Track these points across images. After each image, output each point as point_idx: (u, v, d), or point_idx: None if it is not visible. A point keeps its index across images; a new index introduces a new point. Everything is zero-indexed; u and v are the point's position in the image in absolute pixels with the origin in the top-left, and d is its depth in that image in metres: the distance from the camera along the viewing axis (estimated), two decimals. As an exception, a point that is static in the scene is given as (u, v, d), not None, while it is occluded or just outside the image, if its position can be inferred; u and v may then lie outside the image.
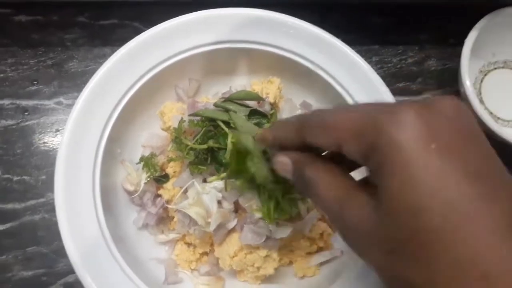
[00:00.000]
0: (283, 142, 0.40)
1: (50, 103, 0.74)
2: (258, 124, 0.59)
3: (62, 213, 0.57)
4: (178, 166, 0.63)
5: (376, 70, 0.65)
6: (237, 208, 0.60)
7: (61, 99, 0.74)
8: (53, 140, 0.72)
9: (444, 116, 0.28)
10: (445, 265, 0.26)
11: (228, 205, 0.58)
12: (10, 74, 0.74)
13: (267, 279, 0.63)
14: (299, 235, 0.62)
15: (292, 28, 0.65)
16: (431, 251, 0.26)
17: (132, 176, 0.64)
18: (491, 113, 0.76)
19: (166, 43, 0.64)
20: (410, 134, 0.27)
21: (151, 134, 0.68)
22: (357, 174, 0.38)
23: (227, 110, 0.59)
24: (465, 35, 0.71)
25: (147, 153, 0.65)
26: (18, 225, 0.68)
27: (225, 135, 0.57)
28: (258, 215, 0.56)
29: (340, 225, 0.34)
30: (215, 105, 0.61)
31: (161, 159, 0.65)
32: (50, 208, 0.69)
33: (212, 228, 0.57)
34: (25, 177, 0.70)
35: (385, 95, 0.64)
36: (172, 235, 0.65)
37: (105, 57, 0.64)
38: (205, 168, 0.58)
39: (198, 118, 0.60)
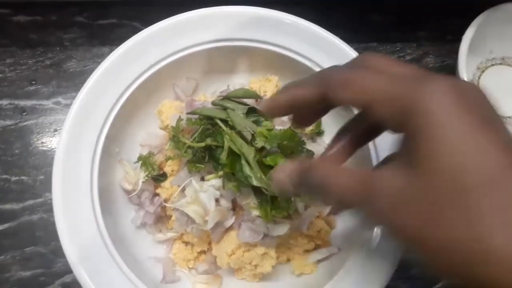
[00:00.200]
0: (299, 100, 0.40)
1: (48, 103, 0.74)
2: (256, 122, 0.59)
3: (60, 213, 0.57)
4: (176, 164, 0.63)
5: (373, 68, 0.65)
6: (235, 206, 0.60)
7: (60, 99, 0.74)
8: (51, 140, 0.72)
9: (474, 92, 0.30)
10: (490, 215, 0.27)
11: (225, 203, 0.58)
12: (8, 74, 0.74)
13: (265, 276, 0.63)
14: (297, 232, 0.62)
15: (290, 26, 0.66)
16: (477, 207, 0.27)
17: (130, 175, 0.64)
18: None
19: (164, 42, 0.64)
20: (448, 102, 0.28)
21: (149, 133, 0.68)
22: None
23: (225, 108, 0.59)
24: (463, 32, 0.71)
25: (145, 152, 0.65)
26: (16, 225, 0.68)
27: (223, 134, 0.57)
28: (255, 212, 0.56)
29: (370, 208, 0.33)
30: (213, 103, 0.61)
31: (159, 158, 0.65)
32: (48, 208, 0.69)
33: (209, 226, 0.57)
34: (23, 177, 0.70)
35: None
36: (170, 234, 0.65)
37: (103, 56, 0.64)
38: (203, 166, 0.58)
39: (196, 116, 0.60)
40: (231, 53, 0.68)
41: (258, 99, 0.64)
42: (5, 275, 0.66)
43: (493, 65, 0.79)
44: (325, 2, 0.79)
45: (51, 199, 0.58)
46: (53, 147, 0.72)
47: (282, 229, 0.57)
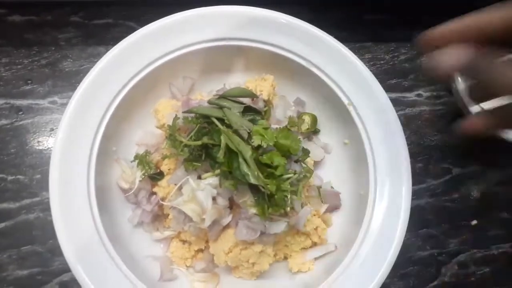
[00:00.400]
0: (483, 30, 0.40)
1: (44, 103, 0.74)
2: (252, 121, 0.60)
3: (57, 212, 0.57)
4: (172, 163, 0.63)
5: (368, 67, 0.66)
6: (232, 204, 0.60)
7: (56, 98, 0.74)
8: (47, 139, 0.72)
9: None
10: None
11: (223, 202, 0.58)
12: (4, 74, 0.74)
13: (262, 274, 0.64)
14: (294, 230, 0.63)
15: (286, 26, 0.66)
16: None
17: (127, 174, 0.65)
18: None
19: (159, 41, 0.65)
20: None
21: (146, 132, 0.68)
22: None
23: (221, 107, 0.60)
24: (456, 32, 0.71)
25: (141, 151, 0.65)
26: (13, 225, 0.68)
27: (219, 132, 0.57)
28: (252, 210, 0.56)
29: None
30: (209, 102, 0.61)
31: (155, 157, 0.65)
32: (45, 207, 0.69)
33: (207, 224, 0.57)
34: (19, 177, 0.70)
35: (377, 92, 0.65)
36: (167, 233, 0.65)
37: (99, 56, 0.64)
38: (199, 164, 0.58)
39: (193, 115, 0.60)
40: (227, 52, 0.68)
41: (254, 98, 0.65)
42: (2, 275, 0.66)
43: (486, 64, 0.79)
44: (320, 2, 0.80)
45: (47, 198, 0.58)
46: (49, 146, 0.72)
47: (279, 227, 0.58)
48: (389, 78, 0.80)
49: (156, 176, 0.64)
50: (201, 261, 0.64)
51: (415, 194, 0.74)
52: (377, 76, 0.66)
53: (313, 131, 0.71)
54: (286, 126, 0.66)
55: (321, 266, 0.64)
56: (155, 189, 0.64)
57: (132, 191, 0.64)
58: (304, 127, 0.70)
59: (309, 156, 0.63)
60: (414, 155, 0.76)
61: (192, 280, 0.63)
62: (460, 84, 0.69)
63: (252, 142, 0.55)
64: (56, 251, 0.66)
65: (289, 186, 0.55)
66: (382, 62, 0.81)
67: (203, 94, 0.70)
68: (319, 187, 0.66)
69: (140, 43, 0.64)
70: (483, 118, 0.47)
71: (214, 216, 0.58)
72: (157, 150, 0.66)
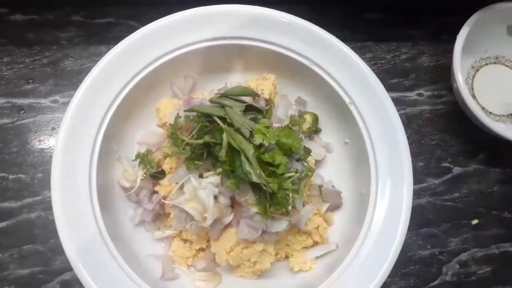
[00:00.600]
0: None
1: (46, 102, 0.74)
2: (253, 120, 0.60)
3: (59, 211, 0.57)
4: (174, 162, 0.63)
5: (370, 67, 0.66)
6: (233, 203, 0.60)
7: (57, 97, 0.74)
8: (49, 138, 0.72)
9: None
10: None
11: (224, 200, 0.58)
12: (5, 73, 0.74)
13: (263, 274, 0.64)
14: (295, 229, 0.63)
15: (287, 25, 0.66)
16: None
17: (128, 173, 0.65)
18: (483, 108, 0.77)
19: (161, 40, 0.65)
20: None
21: (147, 131, 0.68)
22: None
23: (223, 106, 0.60)
24: (457, 31, 0.72)
25: (143, 150, 0.65)
26: (14, 224, 0.68)
27: (220, 131, 0.57)
28: (254, 209, 0.56)
29: None
30: (211, 100, 0.61)
31: (157, 156, 0.65)
32: (47, 206, 0.69)
33: (208, 223, 0.57)
34: (21, 176, 0.70)
35: (379, 91, 0.65)
36: (168, 232, 0.65)
37: (101, 55, 0.64)
38: (201, 163, 0.58)
39: (194, 113, 0.60)
40: (228, 52, 0.68)
41: (256, 97, 0.65)
42: (3, 274, 0.66)
43: (487, 64, 0.80)
44: (320, 1, 0.80)
45: (49, 197, 0.58)
46: (51, 145, 0.72)
47: (280, 226, 0.58)
48: (390, 77, 0.80)
49: (157, 175, 0.64)
50: (203, 260, 0.64)
51: (416, 194, 0.75)
52: (378, 76, 0.66)
53: (314, 130, 0.71)
54: (287, 125, 0.66)
55: (322, 265, 0.64)
56: (157, 188, 0.64)
57: (134, 190, 0.64)
58: (306, 126, 0.70)
59: (310, 155, 0.63)
60: (415, 154, 0.76)
61: (193, 279, 0.63)
62: (461, 83, 0.69)
63: (254, 140, 0.55)
64: (58, 250, 0.66)
65: (290, 185, 0.55)
66: (383, 61, 0.81)
67: (205, 93, 0.70)
68: (320, 186, 0.66)
69: (141, 42, 0.64)
70: None
71: (216, 214, 0.58)
72: (159, 149, 0.66)
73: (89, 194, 0.59)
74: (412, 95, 0.80)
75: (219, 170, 0.57)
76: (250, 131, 0.56)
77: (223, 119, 0.58)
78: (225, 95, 0.61)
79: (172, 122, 0.60)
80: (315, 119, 0.71)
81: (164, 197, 0.63)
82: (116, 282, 0.57)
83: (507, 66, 0.79)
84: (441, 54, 0.82)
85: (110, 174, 0.65)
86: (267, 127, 0.56)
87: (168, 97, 0.70)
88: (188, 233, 0.63)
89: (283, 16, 0.66)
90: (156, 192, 0.64)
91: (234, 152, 0.55)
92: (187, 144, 0.58)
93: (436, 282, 0.73)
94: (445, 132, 0.79)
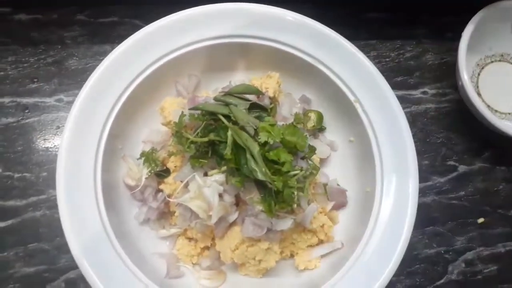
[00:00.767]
0: None
1: (50, 101, 0.74)
2: (258, 118, 0.60)
3: (64, 209, 0.57)
4: (179, 160, 0.63)
5: (374, 65, 0.66)
6: (238, 201, 0.60)
7: (62, 96, 0.74)
8: (53, 137, 0.73)
9: None
10: None
11: (229, 198, 0.58)
12: (10, 72, 0.74)
13: (268, 272, 0.64)
14: (300, 227, 0.63)
15: (291, 23, 0.66)
16: None
17: (133, 171, 0.65)
18: (488, 106, 0.77)
19: (165, 39, 0.65)
20: None
21: (152, 130, 0.68)
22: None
23: (227, 104, 0.60)
24: (462, 29, 0.71)
25: (147, 148, 0.65)
26: (19, 222, 0.68)
27: (225, 128, 0.57)
28: (259, 207, 0.56)
29: None
30: (215, 99, 0.61)
31: (162, 154, 0.65)
32: (52, 204, 0.69)
33: (213, 221, 0.57)
34: (26, 174, 0.70)
35: (384, 89, 0.65)
36: (173, 230, 0.65)
37: (105, 54, 0.65)
38: (206, 161, 0.58)
39: (199, 112, 0.60)
40: (232, 50, 0.68)
41: (260, 95, 0.65)
42: (9, 272, 0.66)
43: (492, 61, 0.79)
44: (325, 0, 0.80)
45: (54, 196, 0.58)
46: (55, 144, 0.72)
47: (285, 224, 0.58)
48: (394, 75, 0.80)
49: (162, 173, 0.64)
50: (207, 259, 0.64)
51: (421, 192, 0.74)
52: (383, 74, 0.66)
53: (319, 129, 0.71)
54: (292, 123, 0.66)
55: (327, 264, 0.64)
56: (162, 186, 0.64)
57: (139, 189, 0.64)
58: (310, 124, 0.70)
59: (315, 153, 0.63)
60: (420, 153, 0.75)
61: (198, 278, 0.63)
62: (466, 81, 0.69)
63: (259, 138, 0.55)
64: (63, 248, 0.67)
65: (296, 183, 0.55)
66: (387, 59, 0.81)
67: (209, 92, 0.70)
68: (325, 185, 0.66)
69: (145, 41, 0.64)
70: None
71: (221, 212, 0.57)
72: (163, 148, 0.66)
73: (94, 192, 0.59)
74: (416, 93, 0.80)
75: (224, 168, 0.57)
76: (255, 129, 0.56)
77: (227, 117, 0.58)
78: (229, 93, 0.61)
79: (176, 120, 0.60)
80: (320, 117, 0.70)
81: (169, 196, 0.63)
82: (121, 280, 0.57)
83: (512, 63, 0.79)
84: (446, 52, 0.81)
85: (115, 172, 0.65)
86: (272, 125, 0.56)
87: (172, 95, 0.70)
88: (193, 231, 0.63)
89: (288, 15, 0.66)
90: (161, 190, 0.64)
91: (239, 150, 0.55)
92: (192, 142, 0.58)
93: (442, 281, 0.73)
94: (450, 130, 0.79)
